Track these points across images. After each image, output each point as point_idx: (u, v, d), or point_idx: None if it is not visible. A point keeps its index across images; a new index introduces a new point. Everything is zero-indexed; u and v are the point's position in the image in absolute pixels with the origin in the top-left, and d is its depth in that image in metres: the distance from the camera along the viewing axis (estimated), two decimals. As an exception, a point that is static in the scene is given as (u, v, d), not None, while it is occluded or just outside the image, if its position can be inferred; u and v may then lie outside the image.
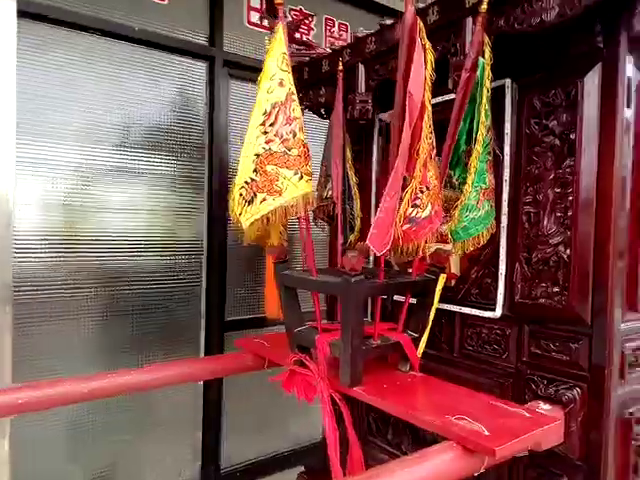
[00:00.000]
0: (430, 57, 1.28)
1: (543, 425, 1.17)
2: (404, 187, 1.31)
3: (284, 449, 3.40)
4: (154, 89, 2.81)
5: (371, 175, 2.00)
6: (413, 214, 1.26)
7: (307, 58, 2.20)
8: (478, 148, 1.34)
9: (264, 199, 1.34)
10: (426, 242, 1.31)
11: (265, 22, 3.05)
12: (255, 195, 1.34)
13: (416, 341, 1.54)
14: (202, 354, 3.08)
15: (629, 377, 1.34)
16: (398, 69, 1.29)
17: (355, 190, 1.90)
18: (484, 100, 1.36)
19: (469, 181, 1.34)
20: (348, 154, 1.89)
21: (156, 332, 2.86)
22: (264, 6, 2.28)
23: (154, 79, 2.81)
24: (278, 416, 3.35)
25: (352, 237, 1.89)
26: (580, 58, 1.33)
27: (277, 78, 1.35)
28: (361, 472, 1.40)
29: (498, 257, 1.50)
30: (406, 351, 1.51)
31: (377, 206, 1.96)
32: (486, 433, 1.11)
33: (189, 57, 3.00)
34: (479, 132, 1.35)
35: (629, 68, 1.28)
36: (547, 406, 1.31)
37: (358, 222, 1.91)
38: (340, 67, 1.83)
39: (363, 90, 1.84)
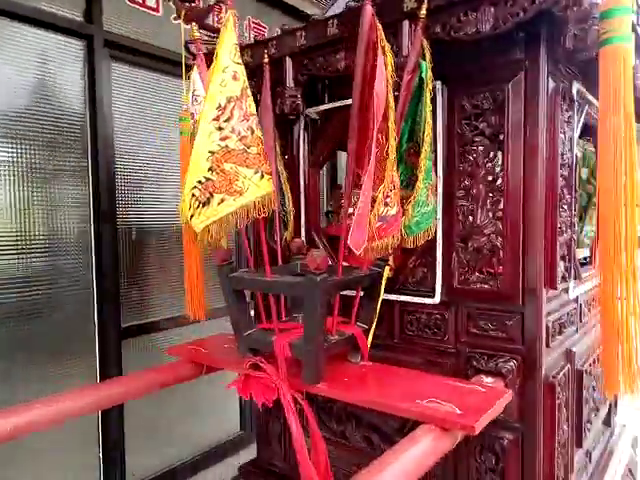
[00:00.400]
0: (390, 59, 1.31)
1: (500, 397, 1.31)
2: (360, 186, 1.34)
3: (188, 456, 3.29)
4: (22, 70, 2.44)
5: (299, 170, 1.99)
6: (384, 212, 1.30)
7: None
8: (425, 147, 1.43)
9: (222, 200, 1.26)
10: (393, 238, 1.36)
11: (165, 2, 2.84)
12: (212, 196, 1.26)
13: (366, 332, 1.60)
14: (97, 365, 2.82)
15: (552, 346, 1.56)
16: (355, 69, 1.30)
17: (286, 185, 1.88)
18: (428, 101, 1.44)
19: (420, 178, 1.42)
20: (277, 149, 1.86)
21: (38, 344, 2.53)
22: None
23: (21, 58, 2.44)
24: (178, 423, 3.22)
25: (287, 233, 1.88)
26: (506, 66, 1.48)
27: (230, 71, 1.27)
28: (327, 470, 1.43)
29: (434, 247, 1.62)
30: (359, 343, 1.56)
31: (307, 201, 2.01)
32: (458, 412, 1.21)
33: (63, 34, 2.66)
34: (425, 132, 1.43)
35: (548, 77, 1.47)
36: (490, 379, 1.47)
37: (291, 217, 1.89)
38: (266, 59, 1.78)
39: (292, 85, 1.82)
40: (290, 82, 1.82)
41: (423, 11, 1.42)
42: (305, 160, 2.00)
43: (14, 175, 2.43)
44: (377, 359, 1.65)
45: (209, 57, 2.01)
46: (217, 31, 2.21)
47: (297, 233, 1.97)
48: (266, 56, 1.78)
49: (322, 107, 1.93)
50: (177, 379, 1.69)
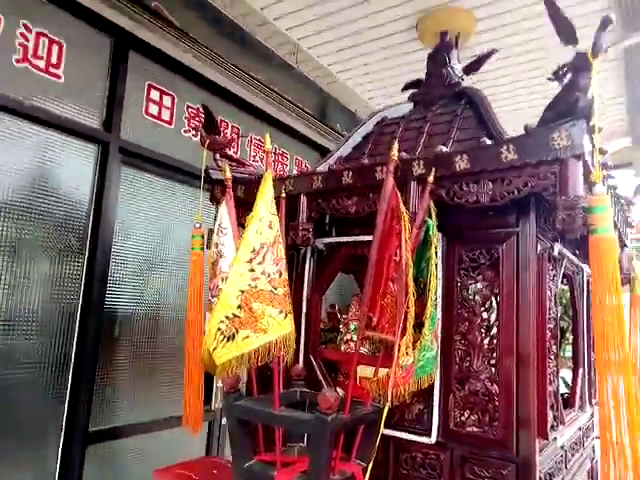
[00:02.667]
0: (407, 223, 1.50)
1: None
2: (372, 328, 1.46)
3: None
4: (37, 166, 2.60)
5: (302, 296, 2.10)
6: (404, 362, 1.40)
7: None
8: (431, 296, 1.57)
9: (247, 336, 1.34)
10: (409, 384, 1.45)
11: (194, 133, 3.11)
12: (237, 332, 1.34)
13: (364, 471, 1.61)
14: (57, 472, 2.64)
15: (545, 496, 1.60)
16: (375, 230, 1.48)
17: (290, 310, 1.97)
18: (433, 254, 1.62)
19: (426, 324, 1.54)
20: (285, 275, 1.98)
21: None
22: (202, 121, 2.33)
23: (38, 156, 2.60)
24: None
25: (287, 357, 1.93)
26: (500, 229, 1.69)
27: (266, 221, 1.42)
28: None
29: (432, 387, 1.70)
30: (357, 482, 1.57)
31: (307, 325, 2.10)
32: None
33: (82, 139, 2.86)
34: (432, 283, 1.59)
35: (536, 242, 1.67)
36: (485, 530, 1.48)
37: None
38: (283, 194, 1.96)
39: (305, 220, 2.00)
40: (304, 217, 2.00)
41: (431, 178, 1.65)
42: (309, 285, 2.12)
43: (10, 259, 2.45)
44: (370, 497, 1.65)
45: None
46: (235, 160, 2.47)
47: (296, 355, 2.03)
48: (284, 192, 1.97)
49: (329, 240, 2.10)
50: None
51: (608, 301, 1.30)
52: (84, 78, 2.85)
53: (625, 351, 1.33)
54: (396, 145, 1.57)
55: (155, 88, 3.26)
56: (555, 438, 1.74)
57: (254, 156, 3.99)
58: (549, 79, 1.55)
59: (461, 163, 1.60)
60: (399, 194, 1.50)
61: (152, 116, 3.24)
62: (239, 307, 1.35)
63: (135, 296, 3.11)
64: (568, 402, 2.24)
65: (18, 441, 2.47)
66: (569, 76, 1.44)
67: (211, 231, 2.31)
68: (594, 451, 2.38)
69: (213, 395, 3.45)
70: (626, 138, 4.70)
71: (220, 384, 3.08)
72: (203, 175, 2.30)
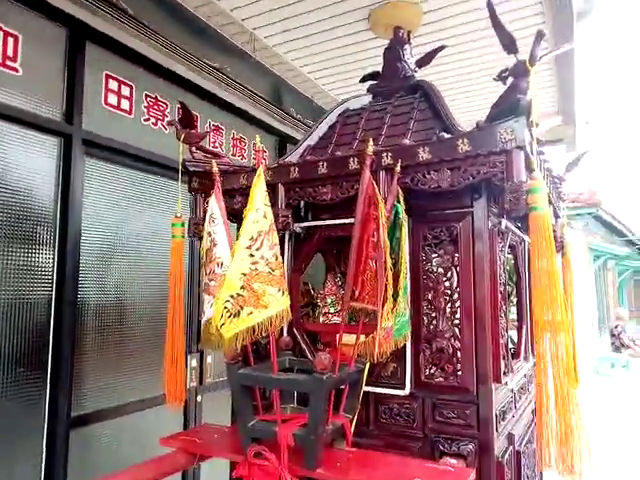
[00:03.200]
0: (382, 209, 1.73)
1: (467, 476, 1.63)
2: (355, 299, 1.70)
3: None
4: None
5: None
6: (385, 325, 1.65)
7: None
8: (403, 270, 1.83)
9: (251, 312, 1.54)
10: (390, 344, 1.71)
11: (169, 127, 3.18)
12: (242, 308, 1.54)
13: (350, 422, 1.88)
14: (44, 456, 2.75)
15: (499, 430, 1.93)
16: (355, 216, 1.71)
17: (274, 290, 2.18)
18: (404, 235, 1.87)
19: (400, 294, 1.80)
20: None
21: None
22: (179, 115, 2.44)
23: None
24: None
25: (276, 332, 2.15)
26: (458, 210, 1.97)
27: (262, 211, 1.62)
28: None
29: (404, 347, 1.98)
30: (346, 431, 1.83)
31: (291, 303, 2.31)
32: (440, 489, 1.51)
33: (43, 132, 2.88)
34: (403, 258, 1.84)
35: (488, 219, 1.97)
36: (454, 460, 1.79)
37: (278, 317, 2.18)
38: (263, 185, 2.14)
39: (283, 207, 2.19)
40: (282, 205, 2.19)
41: (398, 167, 1.89)
42: (289, 266, 2.33)
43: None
44: (355, 445, 1.92)
45: (206, 175, 2.36)
46: (211, 152, 2.60)
47: (281, 329, 2.25)
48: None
49: (306, 224, 2.32)
50: (175, 468, 1.83)
51: (545, 266, 1.60)
52: (42, 70, 2.86)
53: (558, 310, 1.64)
54: (371, 142, 1.79)
55: (113, 78, 3.29)
56: (506, 382, 2.07)
57: (214, 142, 4.09)
58: (494, 79, 1.82)
59: (423, 154, 1.85)
60: (375, 184, 1.73)
61: (112, 106, 3.28)
62: (242, 287, 1.54)
63: (107, 284, 3.20)
64: (515, 354, 2.60)
65: (2, 432, 2.55)
66: (511, 79, 1.71)
67: (190, 220, 2.46)
68: (536, 394, 2.77)
69: (188, 375, 3.61)
70: (557, 117, 5.19)
71: (210, 361, 3.27)
72: (180, 168, 2.42)
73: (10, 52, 2.70)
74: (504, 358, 2.05)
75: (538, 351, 1.66)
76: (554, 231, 2.39)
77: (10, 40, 2.71)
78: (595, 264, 14.62)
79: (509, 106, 1.68)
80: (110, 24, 3.08)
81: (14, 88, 2.68)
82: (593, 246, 13.86)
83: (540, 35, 1.59)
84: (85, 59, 3.07)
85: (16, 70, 2.72)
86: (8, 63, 2.69)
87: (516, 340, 2.72)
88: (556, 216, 2.87)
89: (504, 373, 2.02)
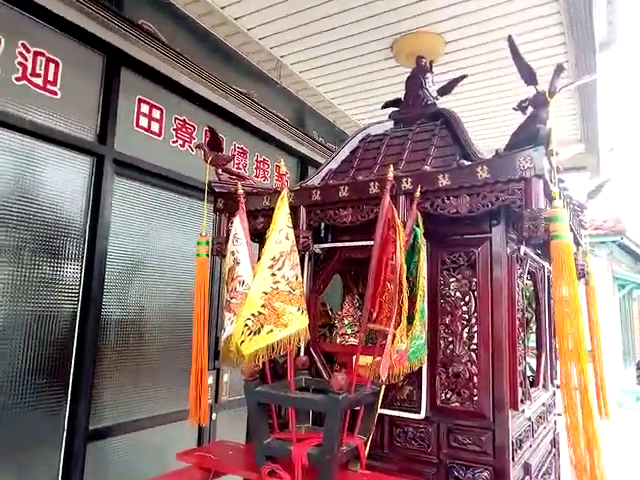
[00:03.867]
0: (402, 233, 1.77)
1: (482, 503, 1.62)
2: (373, 321, 1.73)
3: None
4: (36, 178, 2.75)
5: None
6: (398, 347, 1.67)
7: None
8: (420, 293, 1.86)
9: (271, 330, 1.58)
10: (404, 366, 1.72)
11: (197, 149, 3.30)
12: (262, 326, 1.58)
13: (365, 444, 1.88)
14: (60, 469, 2.79)
15: (515, 459, 1.91)
16: (375, 239, 1.76)
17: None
18: (422, 259, 1.90)
19: (417, 317, 1.83)
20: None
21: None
22: (207, 139, 2.54)
23: (36, 169, 2.75)
24: None
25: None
26: (476, 235, 2.00)
27: (284, 233, 1.67)
28: None
29: (420, 370, 1.99)
30: (360, 453, 1.84)
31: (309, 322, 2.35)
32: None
33: (77, 152, 3.01)
34: (420, 282, 1.87)
35: (506, 245, 1.98)
36: (469, 488, 1.78)
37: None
38: (286, 207, 2.20)
39: (304, 228, 2.25)
40: (303, 226, 2.24)
41: (418, 192, 1.93)
42: (308, 286, 2.37)
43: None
44: (369, 467, 1.92)
45: (231, 196, 2.44)
46: (236, 174, 2.69)
47: (298, 349, 2.28)
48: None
49: (326, 245, 2.36)
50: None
51: (567, 295, 1.61)
52: (79, 94, 3.01)
53: (581, 338, 1.63)
54: (392, 168, 1.84)
55: (145, 102, 3.44)
56: (523, 410, 2.05)
57: (238, 164, 4.20)
58: (514, 109, 1.86)
59: (443, 180, 1.89)
60: (394, 208, 1.78)
61: (143, 128, 3.42)
62: (263, 306, 1.59)
63: (131, 300, 3.29)
64: (533, 382, 2.57)
65: (22, 443, 2.61)
66: (530, 109, 1.75)
67: (214, 239, 2.54)
68: (555, 424, 2.73)
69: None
70: (580, 145, 5.18)
71: (226, 379, 3.30)
72: (207, 189, 2.50)
73: (51, 77, 2.86)
74: (522, 385, 2.04)
75: (561, 381, 1.64)
76: (575, 259, 2.40)
77: (51, 66, 2.87)
78: (620, 293, 14.26)
79: (528, 135, 1.72)
80: (144, 51, 3.24)
81: (53, 110, 2.83)
82: (618, 275, 13.54)
83: (560, 69, 1.63)
84: (120, 84, 3.23)
85: (55, 93, 2.88)
86: (49, 87, 2.85)
87: (535, 368, 2.69)
88: (577, 244, 2.86)
89: (521, 401, 2.01)
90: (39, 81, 2.80)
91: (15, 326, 2.61)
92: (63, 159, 2.92)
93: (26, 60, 2.75)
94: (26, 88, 2.73)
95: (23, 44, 2.72)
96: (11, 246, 2.60)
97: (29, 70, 2.76)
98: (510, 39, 1.74)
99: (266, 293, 1.60)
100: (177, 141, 3.66)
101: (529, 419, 2.19)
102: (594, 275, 3.02)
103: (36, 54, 2.79)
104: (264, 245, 1.67)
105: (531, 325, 3.57)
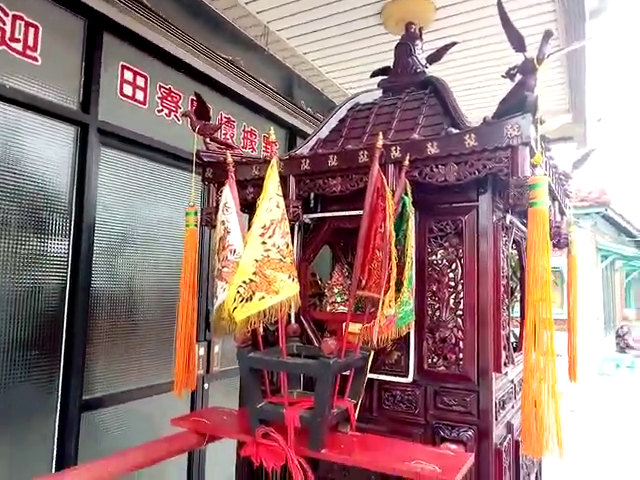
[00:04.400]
0: (390, 201, 1.79)
1: (466, 460, 1.69)
2: (362, 288, 1.77)
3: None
4: (17, 147, 2.69)
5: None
6: (387, 312, 1.71)
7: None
8: (408, 260, 1.89)
9: (262, 297, 1.61)
10: (392, 331, 1.77)
11: (184, 118, 3.24)
12: (254, 294, 1.61)
13: (355, 406, 1.94)
14: (55, 438, 2.84)
15: (498, 419, 1.99)
16: (364, 207, 1.77)
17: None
18: (410, 227, 1.93)
19: (405, 284, 1.86)
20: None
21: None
22: (193, 106, 2.51)
23: (17, 138, 2.70)
24: None
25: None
26: (463, 204, 2.02)
27: (274, 201, 1.68)
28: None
29: (408, 336, 2.04)
30: (350, 416, 1.90)
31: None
32: (439, 471, 1.57)
33: (59, 121, 2.95)
34: (408, 250, 1.90)
35: (492, 213, 2.01)
36: (454, 446, 1.85)
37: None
38: (274, 176, 2.20)
39: (294, 198, 2.25)
40: (293, 196, 2.25)
41: (407, 161, 1.94)
42: (298, 256, 2.39)
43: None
44: (359, 429, 1.98)
45: (219, 165, 2.43)
46: (224, 144, 2.66)
47: (289, 316, 2.32)
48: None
49: (316, 215, 2.38)
50: (184, 448, 1.91)
51: (539, 262, 1.64)
52: (60, 60, 2.93)
53: (549, 307, 1.65)
54: (381, 135, 1.84)
55: (128, 69, 3.36)
56: (506, 373, 2.13)
57: (225, 134, 4.15)
58: (503, 76, 1.86)
59: (432, 149, 1.90)
60: (383, 176, 1.79)
61: (127, 97, 3.35)
62: (254, 273, 1.60)
63: (120, 272, 3.28)
64: (516, 347, 2.66)
65: (16, 415, 2.64)
66: (519, 76, 1.75)
67: (203, 209, 2.53)
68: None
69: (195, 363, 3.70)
70: (568, 115, 5.19)
71: (217, 350, 3.35)
72: (195, 159, 2.48)
73: (30, 42, 2.77)
74: (505, 349, 2.11)
75: (526, 346, 1.68)
76: (558, 227, 2.45)
77: (31, 30, 2.78)
78: (603, 264, 14.58)
79: (516, 103, 1.73)
80: (127, 15, 3.15)
81: (33, 77, 2.76)
82: (601, 246, 13.82)
83: (548, 35, 1.63)
84: (102, 50, 3.14)
85: (36, 59, 2.80)
86: (28, 52, 2.76)
87: (519, 335, 2.77)
88: (562, 213, 2.90)
89: (504, 364, 2.08)
90: (19, 46, 2.72)
91: (3, 300, 2.60)
92: (46, 128, 2.85)
93: (4, 24, 2.66)
94: (5, 54, 2.65)
95: (0, 7, 2.62)
96: (-6, 218, 2.57)
97: (7, 35, 2.67)
98: (500, 4, 1.73)
99: (257, 261, 1.62)
100: (162, 110, 3.59)
101: (512, 381, 2.27)
102: (576, 245, 3.08)
103: (15, 17, 2.70)
104: (255, 214, 1.68)
105: (515, 294, 3.66)
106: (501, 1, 1.72)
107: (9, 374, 2.62)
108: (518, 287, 3.03)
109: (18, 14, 2.71)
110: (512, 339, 2.63)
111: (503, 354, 2.06)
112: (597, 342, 12.24)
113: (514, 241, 2.49)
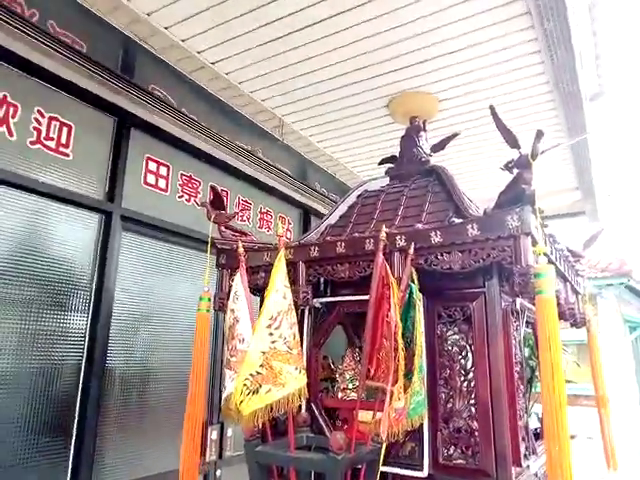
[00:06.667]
0: (395, 290, 1.83)
1: None
2: (371, 378, 1.76)
3: None
4: (48, 235, 2.84)
5: (302, 347, 2.37)
6: (396, 405, 1.69)
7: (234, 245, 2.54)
8: (417, 348, 1.89)
9: (269, 390, 1.61)
10: (402, 424, 1.73)
11: (201, 207, 3.42)
12: (260, 386, 1.61)
13: (368, 504, 1.86)
14: None
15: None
16: (370, 296, 1.81)
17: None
18: (418, 314, 1.94)
19: (415, 373, 1.84)
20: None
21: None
22: (210, 197, 2.65)
23: (48, 227, 2.85)
24: None
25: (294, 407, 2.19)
26: (471, 290, 2.04)
27: (281, 292, 1.73)
28: None
29: (422, 426, 1.98)
30: (364, 513, 1.81)
31: (308, 378, 2.36)
32: None
33: (86, 210, 3.12)
34: (417, 337, 1.90)
35: (500, 298, 2.02)
36: None
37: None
38: (285, 263, 2.27)
39: (304, 283, 2.30)
40: (303, 281, 2.30)
41: (411, 250, 2.00)
42: (309, 340, 2.40)
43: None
44: (373, 529, 1.88)
45: (233, 252, 2.52)
46: (238, 231, 2.78)
47: (299, 405, 2.28)
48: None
49: (325, 299, 2.41)
50: None
51: (550, 345, 1.63)
52: (90, 155, 3.16)
53: (561, 389, 1.62)
54: (384, 227, 1.92)
55: (153, 160, 3.59)
56: (528, 466, 2.03)
57: (242, 215, 4.32)
58: (501, 169, 1.96)
59: (435, 237, 1.96)
60: (387, 266, 1.84)
61: (150, 185, 3.55)
62: (261, 366, 1.62)
63: (134, 354, 3.31)
64: (539, 435, 2.54)
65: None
66: (516, 170, 1.85)
67: (216, 294, 2.59)
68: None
69: (207, 448, 3.60)
70: (576, 192, 5.29)
71: (230, 434, 3.27)
72: (210, 246, 2.58)
73: (64, 139, 3.02)
74: (524, 440, 2.02)
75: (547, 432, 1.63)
76: (572, 308, 2.43)
77: (64, 129, 3.03)
78: (631, 336, 13.97)
79: (515, 195, 1.81)
80: (153, 114, 3.42)
81: (64, 170, 2.97)
82: (627, 317, 13.33)
83: (539, 134, 1.73)
84: (129, 144, 3.38)
85: (67, 155, 3.03)
86: (61, 149, 3.00)
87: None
88: (576, 292, 2.89)
89: (525, 456, 1.99)
90: (52, 144, 2.95)
91: (21, 382, 2.63)
92: (72, 217, 3.02)
93: (41, 125, 2.91)
94: (40, 151, 2.87)
95: (39, 110, 2.89)
96: (20, 301, 2.67)
97: (43, 134, 2.91)
98: (492, 108, 1.86)
99: (264, 352, 1.64)
100: (183, 196, 3.79)
101: (535, 475, 2.15)
102: (595, 322, 3.03)
103: (51, 119, 2.95)
104: (263, 304, 1.73)
105: (537, 374, 3.54)
106: (493, 106, 1.85)
107: (19, 459, 2.58)
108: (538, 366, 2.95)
109: (54, 116, 2.97)
110: (536, 423, 2.52)
111: (522, 445, 1.97)
112: (636, 421, 11.45)
113: (528, 322, 2.46)
